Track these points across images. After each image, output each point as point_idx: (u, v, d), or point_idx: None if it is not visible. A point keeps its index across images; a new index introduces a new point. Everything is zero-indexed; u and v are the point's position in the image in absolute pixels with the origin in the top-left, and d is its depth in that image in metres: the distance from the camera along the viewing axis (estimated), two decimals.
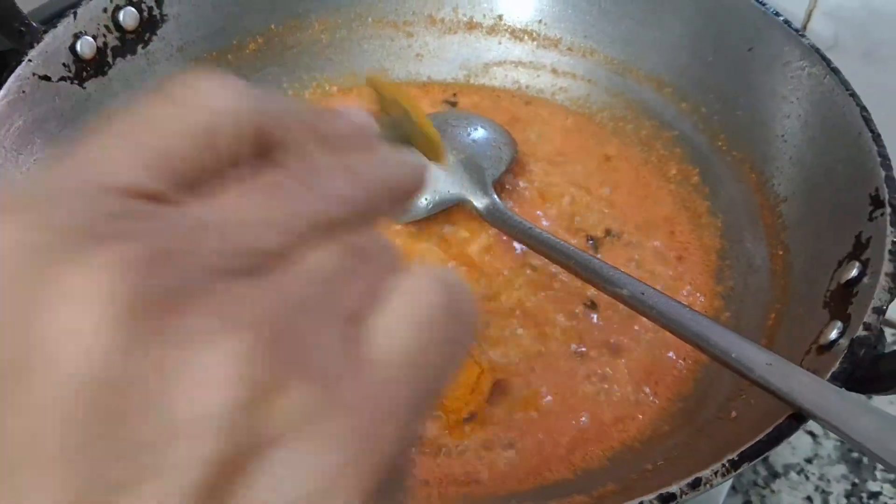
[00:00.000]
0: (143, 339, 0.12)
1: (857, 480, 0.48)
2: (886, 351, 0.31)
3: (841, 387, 0.30)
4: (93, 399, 0.12)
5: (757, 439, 0.29)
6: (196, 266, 0.13)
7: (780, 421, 0.29)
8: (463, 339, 0.16)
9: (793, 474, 0.48)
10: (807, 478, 0.48)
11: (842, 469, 0.48)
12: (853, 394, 0.30)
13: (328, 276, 0.14)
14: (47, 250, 0.12)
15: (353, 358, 0.14)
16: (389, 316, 0.15)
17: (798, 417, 0.29)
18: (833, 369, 0.30)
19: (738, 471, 0.28)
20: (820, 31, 0.49)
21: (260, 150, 0.15)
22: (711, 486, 0.28)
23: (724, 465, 0.28)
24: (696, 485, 0.28)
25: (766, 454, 0.29)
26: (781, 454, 0.49)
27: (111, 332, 0.12)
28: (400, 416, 0.14)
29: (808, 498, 0.47)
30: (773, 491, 0.47)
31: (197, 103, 0.14)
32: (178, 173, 0.13)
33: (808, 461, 0.49)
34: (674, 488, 0.28)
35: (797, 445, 0.49)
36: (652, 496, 0.27)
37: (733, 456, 0.28)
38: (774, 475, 0.48)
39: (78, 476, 0.11)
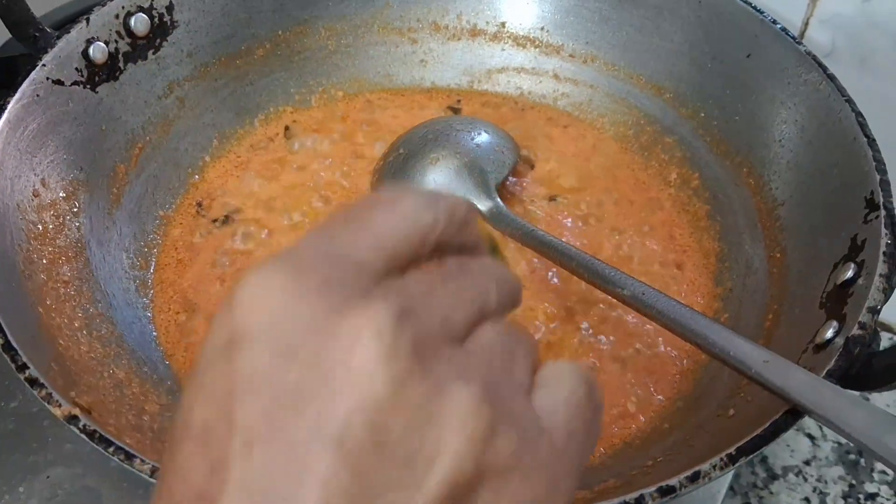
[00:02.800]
0: (413, 375, 0.16)
1: (854, 482, 0.48)
2: (880, 349, 0.32)
3: (836, 384, 0.31)
4: (369, 417, 0.15)
5: (754, 434, 0.29)
6: (431, 323, 0.17)
7: (777, 416, 0.30)
8: (597, 423, 0.20)
9: (791, 476, 0.49)
10: (805, 479, 0.48)
11: (839, 471, 0.49)
12: (848, 390, 0.30)
13: (503, 351, 0.19)
14: (337, 296, 0.16)
15: (536, 423, 0.18)
16: (550, 396, 0.19)
17: (794, 413, 0.30)
18: (829, 367, 0.31)
19: (736, 465, 0.29)
20: (817, 39, 0.50)
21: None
22: (710, 479, 0.28)
23: (722, 459, 0.29)
24: (695, 478, 0.28)
25: (764, 448, 0.30)
26: (780, 456, 0.49)
27: (391, 364, 0.15)
28: (570, 480, 0.18)
29: (806, 499, 0.47)
30: (771, 492, 0.48)
31: (415, 218, 0.19)
32: (398, 260, 0.19)
33: (807, 463, 0.49)
34: (673, 481, 0.28)
35: (795, 447, 0.50)
36: (652, 489, 0.28)
37: (731, 450, 0.29)
38: (773, 477, 0.48)
39: (349, 478, 0.15)
